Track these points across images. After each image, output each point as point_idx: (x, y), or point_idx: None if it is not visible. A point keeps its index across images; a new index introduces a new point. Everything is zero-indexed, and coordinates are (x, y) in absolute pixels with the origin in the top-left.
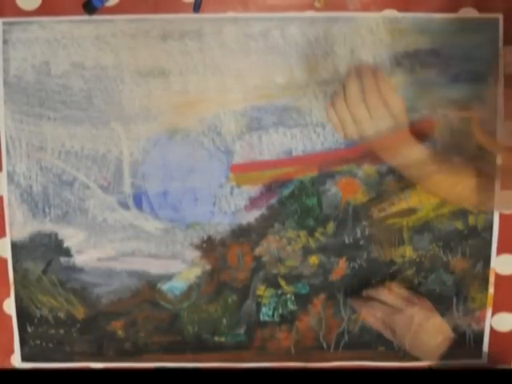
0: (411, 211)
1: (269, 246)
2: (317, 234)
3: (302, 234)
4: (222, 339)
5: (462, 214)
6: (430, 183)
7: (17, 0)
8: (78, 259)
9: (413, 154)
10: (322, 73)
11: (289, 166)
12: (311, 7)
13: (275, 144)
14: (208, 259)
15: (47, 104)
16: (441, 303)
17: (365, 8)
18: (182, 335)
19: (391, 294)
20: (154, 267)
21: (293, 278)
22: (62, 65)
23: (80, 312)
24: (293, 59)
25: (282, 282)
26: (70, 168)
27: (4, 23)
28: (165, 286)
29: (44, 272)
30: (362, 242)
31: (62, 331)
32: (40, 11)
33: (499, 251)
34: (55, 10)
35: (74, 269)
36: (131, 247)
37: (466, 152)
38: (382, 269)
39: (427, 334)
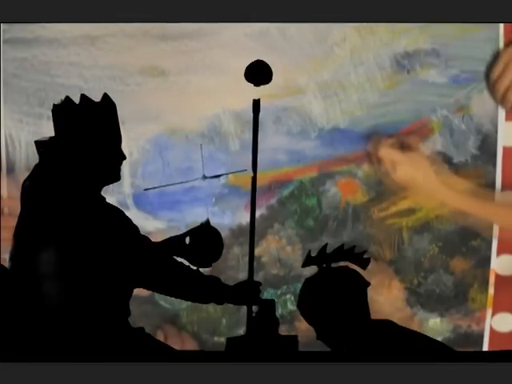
0: (411, 211)
1: (268, 246)
2: (317, 234)
3: (302, 234)
4: (222, 339)
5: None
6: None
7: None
8: None
9: None
10: (322, 73)
11: (289, 166)
12: None
13: (275, 144)
14: None
15: (47, 104)
16: (441, 303)
17: None
18: (181, 335)
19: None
20: None
21: (293, 278)
22: (61, 64)
23: None
24: (293, 59)
25: (282, 282)
26: None
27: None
28: None
29: None
30: (361, 242)
31: None
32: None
33: (499, 252)
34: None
35: None
36: None
37: (466, 152)
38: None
39: None
